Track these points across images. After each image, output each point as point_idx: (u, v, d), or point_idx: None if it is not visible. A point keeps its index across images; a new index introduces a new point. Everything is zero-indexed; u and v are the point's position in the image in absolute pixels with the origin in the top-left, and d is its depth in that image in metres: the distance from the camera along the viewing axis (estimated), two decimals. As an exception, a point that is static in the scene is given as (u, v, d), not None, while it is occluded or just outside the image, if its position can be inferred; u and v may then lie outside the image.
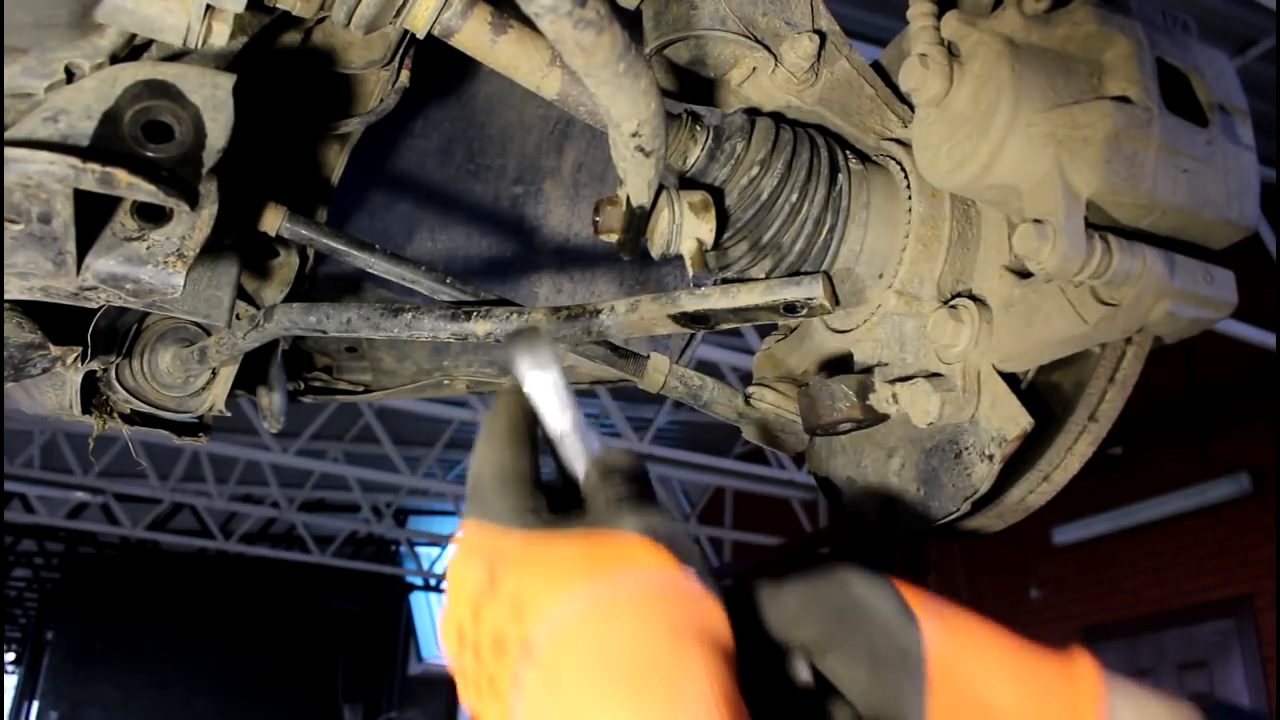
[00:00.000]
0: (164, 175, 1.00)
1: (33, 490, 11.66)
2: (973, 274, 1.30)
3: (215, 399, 1.55)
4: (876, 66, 1.38)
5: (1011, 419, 1.21)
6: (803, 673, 0.67)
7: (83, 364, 1.38)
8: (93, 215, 1.07)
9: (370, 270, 1.33)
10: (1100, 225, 1.11)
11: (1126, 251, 1.10)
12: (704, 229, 1.22)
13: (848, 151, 1.32)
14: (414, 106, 1.76)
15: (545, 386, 0.71)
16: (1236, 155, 1.17)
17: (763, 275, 1.28)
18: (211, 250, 1.22)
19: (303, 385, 1.77)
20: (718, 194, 1.26)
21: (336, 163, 1.42)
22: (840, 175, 1.28)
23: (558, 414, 0.71)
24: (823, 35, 1.28)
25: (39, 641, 15.84)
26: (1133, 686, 0.70)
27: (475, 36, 1.13)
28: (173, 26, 1.00)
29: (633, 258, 1.28)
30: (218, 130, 1.04)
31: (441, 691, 15.53)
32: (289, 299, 1.49)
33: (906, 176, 1.31)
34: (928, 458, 1.31)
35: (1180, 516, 8.11)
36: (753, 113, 1.29)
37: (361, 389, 1.85)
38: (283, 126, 1.33)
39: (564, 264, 1.94)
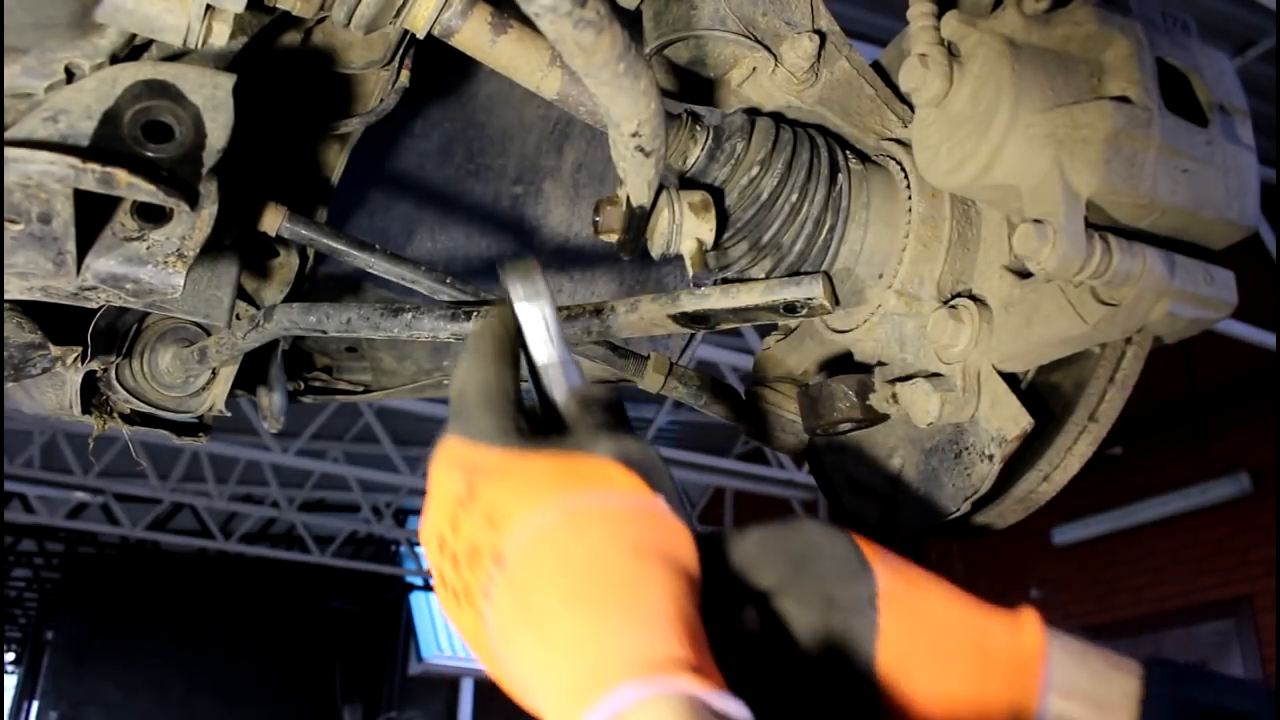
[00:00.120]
0: (164, 175, 1.00)
1: (33, 490, 11.64)
2: (973, 274, 1.30)
3: (215, 399, 1.55)
4: (876, 66, 1.38)
5: (1011, 419, 1.21)
6: (750, 619, 0.68)
7: (83, 364, 1.38)
8: (93, 215, 1.07)
9: (370, 270, 1.33)
10: (1100, 225, 1.11)
11: (1126, 251, 1.10)
12: (704, 229, 1.22)
13: (848, 151, 1.32)
14: (414, 106, 1.76)
15: (535, 316, 0.72)
16: (1236, 155, 1.17)
17: (763, 275, 1.28)
18: (211, 250, 1.21)
19: (303, 385, 1.77)
20: (718, 194, 1.26)
21: (336, 163, 1.42)
22: (840, 175, 1.28)
23: (545, 344, 0.72)
24: (823, 35, 1.27)
25: (39, 641, 15.83)
26: (1075, 639, 0.73)
27: (475, 36, 1.13)
28: (173, 26, 1.00)
29: (633, 258, 1.28)
30: (218, 130, 1.04)
31: (441, 691, 15.53)
32: (289, 299, 1.49)
33: (906, 176, 1.31)
34: (928, 458, 1.31)
35: (1180, 516, 8.10)
36: (753, 113, 1.29)
37: (361, 389, 1.85)
38: (283, 126, 1.33)
39: (564, 264, 1.94)
